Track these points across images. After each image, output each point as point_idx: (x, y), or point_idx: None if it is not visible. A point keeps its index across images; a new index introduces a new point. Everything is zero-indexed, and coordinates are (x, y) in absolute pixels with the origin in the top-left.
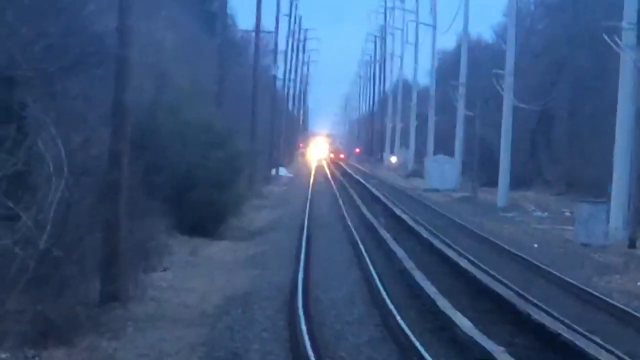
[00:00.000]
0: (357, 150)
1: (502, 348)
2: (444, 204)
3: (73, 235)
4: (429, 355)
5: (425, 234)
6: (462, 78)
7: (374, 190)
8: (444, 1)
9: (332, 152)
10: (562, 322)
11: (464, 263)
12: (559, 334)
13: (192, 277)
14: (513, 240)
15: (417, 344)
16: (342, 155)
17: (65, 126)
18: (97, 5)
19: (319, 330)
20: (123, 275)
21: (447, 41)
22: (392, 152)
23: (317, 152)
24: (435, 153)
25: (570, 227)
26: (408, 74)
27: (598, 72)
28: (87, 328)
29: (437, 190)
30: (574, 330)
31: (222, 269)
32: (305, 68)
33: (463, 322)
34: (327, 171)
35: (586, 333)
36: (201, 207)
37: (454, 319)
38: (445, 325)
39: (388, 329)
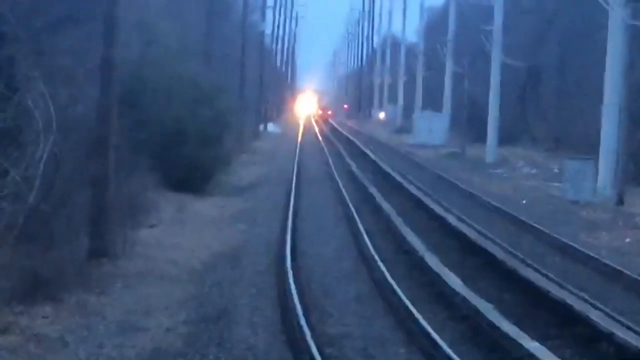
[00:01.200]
0: (345, 106)
1: (491, 305)
2: (432, 159)
3: (61, 191)
4: (417, 310)
5: (413, 190)
6: (451, 34)
7: (361, 146)
8: None
9: (319, 109)
10: (550, 279)
11: (451, 219)
12: (548, 291)
13: (180, 233)
14: (501, 196)
15: (406, 300)
16: (329, 112)
17: (53, 82)
18: None
19: (307, 285)
20: (111, 232)
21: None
22: (380, 108)
23: (306, 108)
24: (423, 109)
25: (559, 184)
26: (397, 30)
27: (586, 29)
28: (75, 284)
29: (425, 146)
30: (562, 287)
31: (210, 225)
32: (293, 24)
33: (452, 279)
34: (316, 127)
35: (574, 290)
36: (189, 163)
37: (442, 275)
38: (434, 282)
39: (376, 285)
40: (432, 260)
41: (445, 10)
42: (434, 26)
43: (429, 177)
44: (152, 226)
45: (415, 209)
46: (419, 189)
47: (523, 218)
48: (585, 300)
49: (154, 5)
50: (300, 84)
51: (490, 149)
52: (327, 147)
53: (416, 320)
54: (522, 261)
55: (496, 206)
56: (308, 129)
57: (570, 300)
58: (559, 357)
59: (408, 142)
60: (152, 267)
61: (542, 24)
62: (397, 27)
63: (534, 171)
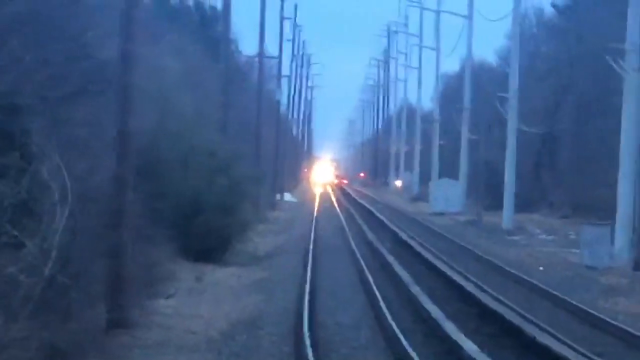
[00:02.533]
0: (362, 174)
1: None
2: (449, 227)
3: (78, 261)
4: None
5: (430, 258)
6: (466, 102)
7: (378, 214)
8: (447, 25)
9: (335, 177)
10: (569, 345)
11: (470, 287)
12: (567, 358)
13: (198, 303)
14: (519, 263)
15: None
16: (344, 181)
17: (69, 153)
18: (100, 31)
19: (325, 355)
20: (129, 302)
21: (451, 65)
22: (396, 176)
23: (322, 176)
24: (440, 177)
25: (576, 250)
26: (412, 98)
27: (602, 95)
28: (93, 355)
29: (442, 214)
30: (581, 353)
31: (228, 295)
32: (309, 92)
33: (469, 346)
34: (332, 196)
35: (593, 356)
36: (206, 233)
37: (460, 342)
38: (452, 349)
39: (395, 354)
40: (450, 327)
41: (460, 77)
42: (450, 93)
43: (446, 245)
44: (169, 296)
45: (432, 277)
46: (436, 257)
47: (540, 284)
48: None
49: (171, 75)
50: (316, 152)
51: (507, 215)
52: (344, 216)
53: None
54: (540, 328)
55: (513, 273)
56: (324, 197)
57: None
58: None
59: (425, 210)
60: (170, 337)
61: (557, 90)
62: (412, 94)
63: (550, 237)
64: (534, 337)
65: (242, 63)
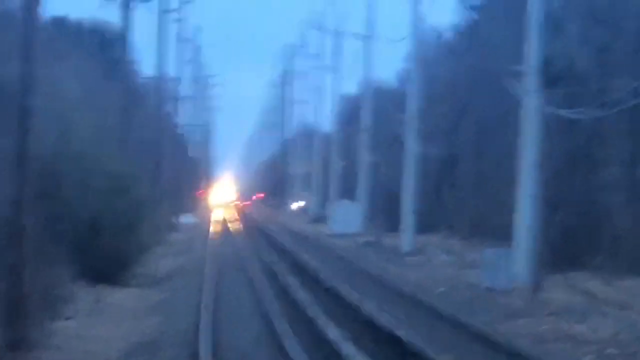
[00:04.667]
0: (261, 195)
1: None
2: (348, 249)
3: None
4: None
5: (327, 279)
6: (365, 122)
7: (276, 236)
8: (347, 46)
9: (237, 199)
10: None
11: (367, 308)
12: None
13: (97, 324)
14: (418, 284)
15: None
16: (246, 203)
17: None
18: None
19: None
20: (27, 323)
21: (351, 86)
22: (295, 197)
23: (223, 198)
24: (341, 198)
25: (476, 271)
26: (311, 119)
27: (500, 116)
28: None
29: (342, 235)
30: None
31: (127, 316)
32: (208, 114)
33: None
34: (231, 217)
35: None
36: (106, 255)
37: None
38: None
39: None
40: (348, 351)
41: (359, 98)
42: (349, 114)
43: (344, 266)
44: (68, 317)
45: (329, 298)
46: (333, 278)
47: (439, 306)
48: None
49: (71, 97)
50: (216, 172)
51: (406, 237)
52: (242, 238)
53: None
54: (440, 351)
55: (412, 295)
56: (223, 219)
57: None
58: None
59: (324, 232)
60: (69, 359)
61: (456, 112)
62: (312, 115)
63: (450, 259)
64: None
65: (141, 84)
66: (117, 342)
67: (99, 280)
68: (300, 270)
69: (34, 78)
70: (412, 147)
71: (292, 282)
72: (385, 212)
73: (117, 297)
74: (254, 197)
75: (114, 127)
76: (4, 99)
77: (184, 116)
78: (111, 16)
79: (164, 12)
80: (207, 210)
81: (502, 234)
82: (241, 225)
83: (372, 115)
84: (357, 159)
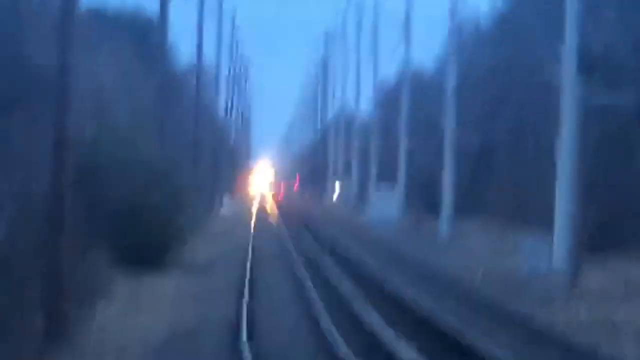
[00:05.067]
0: (297, 183)
1: None
2: (387, 236)
3: (16, 273)
4: None
5: (366, 268)
6: (404, 109)
7: (315, 224)
8: (386, 32)
9: (276, 186)
10: (508, 355)
11: (407, 297)
12: None
13: (136, 311)
14: (457, 271)
15: None
16: (280, 192)
17: (5, 164)
18: (37, 40)
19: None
20: (66, 310)
21: (389, 71)
22: (334, 184)
23: (261, 185)
24: (379, 184)
25: (515, 258)
26: (350, 105)
27: (538, 103)
28: None
29: (380, 222)
30: None
31: (166, 304)
32: (248, 99)
33: (406, 353)
34: (270, 204)
35: None
36: (145, 242)
37: (397, 349)
38: (390, 352)
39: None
40: (390, 337)
41: (398, 83)
42: (388, 100)
43: (382, 253)
44: (107, 305)
45: (368, 285)
46: (375, 266)
47: (478, 293)
48: None
49: (108, 85)
50: (255, 159)
51: (445, 223)
52: (281, 225)
53: None
54: (477, 338)
55: (451, 281)
56: (262, 206)
57: None
58: None
59: (363, 218)
60: (108, 347)
61: (494, 98)
62: (350, 100)
63: (489, 245)
64: (473, 345)
65: (179, 71)
66: (156, 329)
67: (139, 266)
68: (341, 258)
69: (72, 66)
70: (451, 133)
71: (333, 271)
72: (424, 199)
73: (156, 284)
74: (294, 184)
75: (153, 114)
76: (44, 87)
77: (223, 103)
78: (149, 2)
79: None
80: (247, 198)
81: (540, 221)
82: (280, 212)
83: (411, 101)
84: (396, 145)
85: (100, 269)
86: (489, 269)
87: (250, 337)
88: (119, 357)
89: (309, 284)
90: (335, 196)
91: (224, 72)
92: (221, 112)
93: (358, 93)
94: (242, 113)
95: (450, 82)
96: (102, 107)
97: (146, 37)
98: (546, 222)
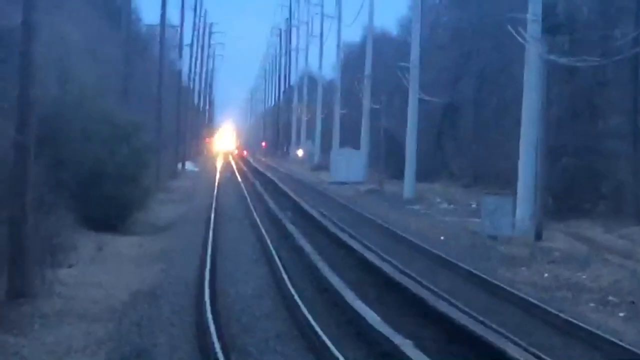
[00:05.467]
0: (263, 144)
1: (410, 341)
2: (350, 197)
3: None
4: (335, 347)
5: (331, 227)
6: (368, 70)
7: (279, 183)
8: None
9: (237, 147)
10: (469, 315)
11: (370, 256)
12: (465, 326)
13: (99, 272)
14: (419, 232)
15: (326, 339)
16: (245, 152)
17: None
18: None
19: (226, 325)
20: (29, 271)
21: (353, 34)
22: (298, 146)
23: (223, 145)
24: (342, 146)
25: (477, 220)
26: (314, 67)
27: (503, 64)
28: None
29: (343, 183)
30: (481, 322)
31: (129, 264)
32: (210, 62)
33: (370, 316)
34: (234, 165)
35: (493, 325)
36: (107, 203)
37: (359, 311)
38: (353, 320)
39: (295, 324)
40: (349, 296)
41: (362, 46)
42: (351, 63)
43: (346, 214)
44: (70, 266)
45: (332, 246)
46: (335, 225)
47: (441, 254)
48: (504, 335)
49: (72, 44)
50: (218, 121)
51: (408, 185)
52: (245, 186)
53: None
54: (440, 297)
55: (414, 242)
56: (226, 167)
57: (489, 335)
58: None
59: (326, 180)
60: (71, 307)
61: (459, 60)
62: (314, 63)
63: (452, 207)
64: (435, 307)
65: (143, 32)
66: (118, 291)
67: (101, 228)
68: (302, 216)
69: (36, 25)
70: (414, 95)
71: (293, 229)
72: (387, 160)
73: (119, 245)
74: (261, 145)
75: (116, 75)
76: (7, 46)
77: (186, 65)
78: None
79: None
80: (210, 158)
81: (503, 182)
82: (244, 174)
83: (375, 64)
84: (359, 107)
85: (62, 231)
86: (452, 229)
87: (212, 297)
88: (81, 317)
89: (270, 242)
90: (299, 156)
91: (188, 35)
92: (185, 75)
93: (321, 55)
94: (205, 75)
95: (415, 52)
96: (66, 66)
97: None
98: (508, 184)
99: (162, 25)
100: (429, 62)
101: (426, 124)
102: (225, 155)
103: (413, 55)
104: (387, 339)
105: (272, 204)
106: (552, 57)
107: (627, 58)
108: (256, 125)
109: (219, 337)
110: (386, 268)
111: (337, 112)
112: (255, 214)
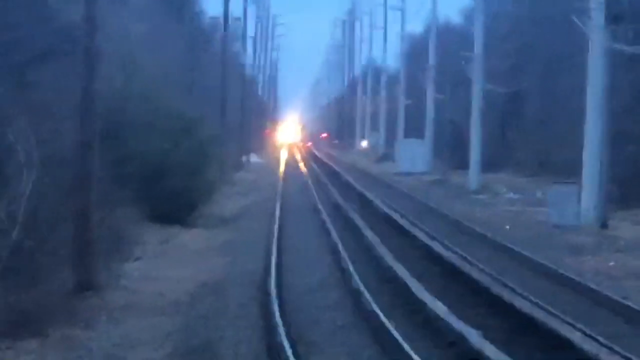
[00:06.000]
0: (323, 135)
1: (477, 331)
2: (415, 187)
3: (45, 225)
4: (399, 335)
5: (396, 217)
6: (432, 60)
7: (344, 174)
8: None
9: (301, 139)
10: (536, 304)
11: (436, 246)
12: (532, 316)
13: (165, 265)
14: (485, 222)
15: (392, 329)
16: (309, 144)
17: (35, 117)
18: None
19: (292, 316)
20: (96, 265)
21: (416, 25)
22: (362, 137)
23: (288, 137)
24: (406, 137)
25: (543, 209)
26: (377, 58)
27: (567, 52)
28: (60, 318)
29: (408, 174)
30: (547, 311)
31: (195, 257)
32: (274, 54)
33: (437, 306)
34: (298, 156)
35: (559, 314)
36: (172, 195)
37: (427, 303)
38: (419, 309)
39: (362, 315)
40: (417, 287)
41: (425, 37)
42: (415, 53)
43: (411, 205)
44: (136, 259)
45: (399, 236)
46: (402, 216)
47: (507, 243)
48: (570, 324)
49: (135, 38)
50: (282, 113)
51: (473, 175)
52: (309, 177)
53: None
54: (506, 286)
55: (480, 232)
56: (290, 158)
57: (555, 324)
58: None
59: (391, 171)
60: (137, 300)
61: (522, 49)
62: (377, 54)
63: (517, 196)
64: (501, 296)
65: (206, 24)
66: (185, 283)
67: (166, 221)
68: (368, 208)
69: (99, 19)
70: (478, 85)
71: (359, 219)
72: (451, 151)
73: (184, 238)
74: (321, 137)
75: (180, 68)
76: (71, 41)
77: (250, 56)
78: None
79: None
80: (274, 150)
81: (568, 171)
82: (308, 165)
83: (438, 53)
84: (424, 97)
85: (128, 225)
86: (517, 219)
87: (278, 289)
88: (148, 310)
89: (335, 235)
90: (363, 147)
91: (251, 27)
92: (248, 67)
93: (385, 46)
94: (269, 68)
95: (478, 41)
96: (130, 60)
97: None
98: (573, 174)
99: (226, 18)
100: (493, 51)
101: (490, 114)
102: (290, 147)
103: (476, 44)
104: (453, 329)
105: (336, 195)
106: (616, 45)
107: None
108: (320, 117)
109: (285, 328)
110: (451, 258)
111: (402, 102)
112: (320, 205)
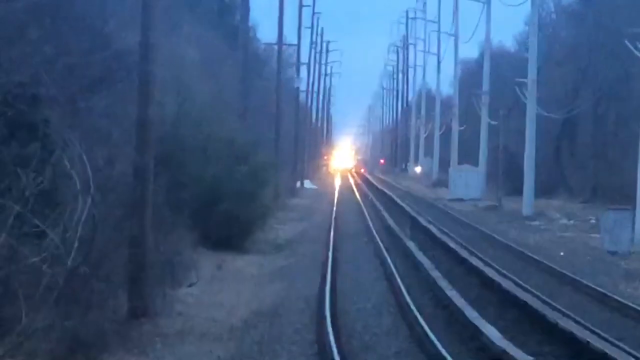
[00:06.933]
0: (382, 161)
1: (531, 358)
2: (469, 213)
3: (100, 251)
4: None
5: (450, 244)
6: (485, 87)
7: (398, 200)
8: (466, 11)
9: (355, 164)
10: (591, 330)
11: (490, 272)
12: (588, 342)
13: (219, 291)
14: (539, 248)
15: (447, 355)
16: (363, 169)
17: (90, 143)
18: (119, 21)
19: (347, 342)
20: (150, 291)
21: (470, 50)
22: (416, 163)
23: (342, 163)
24: (459, 162)
25: (596, 235)
26: (431, 84)
27: (621, 79)
28: (115, 344)
29: (462, 200)
30: (603, 338)
31: (249, 283)
32: (327, 80)
33: (491, 332)
34: (352, 182)
35: (614, 340)
36: (227, 221)
37: (482, 329)
38: (474, 335)
39: (416, 341)
40: (472, 315)
41: (479, 62)
42: (469, 78)
43: (465, 231)
44: (191, 285)
45: (453, 262)
46: (456, 242)
47: (561, 269)
48: (627, 352)
49: (190, 64)
50: (335, 139)
51: (527, 201)
52: (363, 203)
53: None
54: (561, 312)
55: (534, 258)
56: (344, 184)
57: (611, 350)
58: None
59: (445, 196)
60: (192, 326)
61: (576, 75)
62: (431, 80)
63: (571, 222)
64: (556, 323)
65: (260, 51)
66: (239, 309)
67: (221, 247)
68: (422, 234)
69: (154, 46)
70: (532, 110)
71: (413, 246)
72: (505, 177)
73: (239, 263)
74: (379, 163)
75: (234, 93)
76: (125, 67)
77: (304, 82)
78: None
79: None
80: (328, 176)
81: (622, 198)
82: (362, 191)
83: (492, 79)
84: (477, 123)
85: (183, 250)
86: (571, 245)
87: (333, 315)
88: (202, 336)
89: (390, 260)
90: (417, 173)
91: (305, 53)
92: (302, 93)
93: (438, 72)
94: (322, 93)
95: (532, 68)
96: (184, 85)
97: (227, 17)
98: (628, 200)
99: (280, 44)
100: (547, 77)
101: (544, 140)
102: (344, 173)
103: (530, 70)
104: (508, 355)
105: (390, 221)
106: None
107: None
108: (374, 142)
109: (340, 354)
110: (505, 284)
111: (456, 128)
112: (374, 231)
